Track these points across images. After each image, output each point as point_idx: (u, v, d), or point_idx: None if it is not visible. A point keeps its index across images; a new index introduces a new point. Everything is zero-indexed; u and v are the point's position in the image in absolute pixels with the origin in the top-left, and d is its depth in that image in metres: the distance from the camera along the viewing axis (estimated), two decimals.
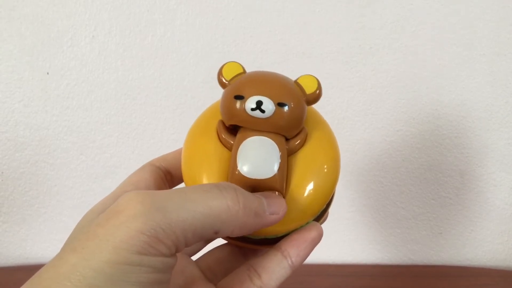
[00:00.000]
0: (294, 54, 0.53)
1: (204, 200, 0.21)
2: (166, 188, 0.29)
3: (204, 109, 0.31)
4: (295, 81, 0.27)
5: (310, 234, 0.26)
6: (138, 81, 0.54)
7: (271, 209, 0.24)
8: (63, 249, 0.20)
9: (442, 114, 0.56)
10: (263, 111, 0.25)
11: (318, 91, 0.26)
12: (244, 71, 0.28)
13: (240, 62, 0.28)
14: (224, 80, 0.27)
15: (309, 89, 0.26)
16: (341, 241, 0.61)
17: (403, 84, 0.55)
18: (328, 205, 0.29)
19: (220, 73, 0.27)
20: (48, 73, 0.53)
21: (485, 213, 0.60)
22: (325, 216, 0.29)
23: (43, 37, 0.52)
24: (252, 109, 0.25)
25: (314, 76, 0.27)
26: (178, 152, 0.30)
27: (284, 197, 0.25)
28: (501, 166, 0.58)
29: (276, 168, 0.25)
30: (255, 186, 0.25)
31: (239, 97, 0.25)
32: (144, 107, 0.55)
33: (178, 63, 0.54)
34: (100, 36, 0.53)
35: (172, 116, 0.55)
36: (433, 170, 0.58)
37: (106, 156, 0.57)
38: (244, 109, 0.25)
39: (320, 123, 0.29)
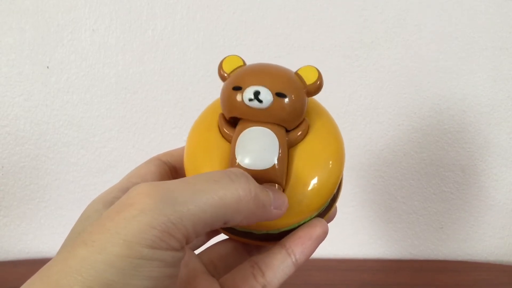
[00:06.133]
0: (295, 48, 0.53)
1: (215, 191, 0.21)
2: None
3: (205, 104, 0.31)
4: (296, 72, 0.27)
5: (315, 231, 0.26)
6: (138, 75, 0.54)
7: (275, 204, 0.24)
8: (72, 242, 0.20)
9: (444, 109, 0.56)
10: (260, 101, 0.24)
11: (318, 81, 0.26)
12: (244, 64, 0.27)
13: (240, 56, 0.28)
14: (224, 73, 0.27)
15: (310, 79, 0.26)
16: (342, 235, 0.61)
17: (405, 79, 0.55)
18: (334, 200, 0.28)
19: (220, 67, 0.27)
20: (48, 67, 0.53)
21: (486, 208, 0.60)
22: (331, 212, 0.28)
23: (43, 31, 0.52)
24: (250, 100, 0.25)
25: (314, 67, 0.26)
26: (184, 149, 0.30)
27: (284, 190, 0.25)
28: (502, 161, 0.58)
29: (275, 158, 0.24)
30: (254, 177, 0.24)
31: (237, 88, 0.25)
32: (145, 101, 0.55)
33: (179, 57, 0.53)
34: (100, 30, 0.52)
35: (173, 110, 0.55)
36: (434, 164, 0.58)
37: (107, 150, 0.57)
38: (242, 100, 0.25)
39: (323, 114, 0.29)
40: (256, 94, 0.24)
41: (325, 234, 0.26)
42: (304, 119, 0.27)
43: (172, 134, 0.56)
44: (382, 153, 0.58)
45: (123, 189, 0.26)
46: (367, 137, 0.57)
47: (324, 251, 0.61)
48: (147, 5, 0.52)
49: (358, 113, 0.56)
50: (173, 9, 0.52)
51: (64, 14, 0.52)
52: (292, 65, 0.28)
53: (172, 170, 0.30)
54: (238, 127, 0.26)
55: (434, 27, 0.53)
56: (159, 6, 0.52)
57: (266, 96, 0.24)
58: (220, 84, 0.27)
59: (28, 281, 0.19)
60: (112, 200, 0.25)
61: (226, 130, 0.27)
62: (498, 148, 0.57)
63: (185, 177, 0.22)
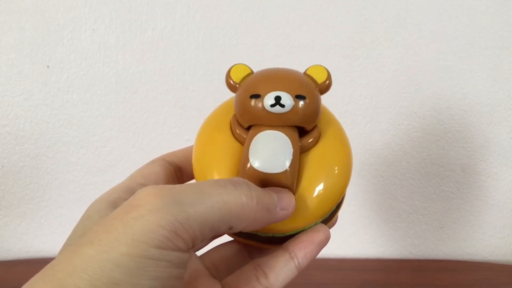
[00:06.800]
0: (296, 47, 0.53)
1: (220, 195, 0.21)
2: (176, 184, 0.29)
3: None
4: (304, 73, 0.27)
5: (318, 237, 0.26)
6: (138, 75, 0.54)
7: (281, 205, 0.24)
8: (76, 241, 0.20)
9: (444, 108, 0.56)
10: (282, 106, 0.25)
11: (328, 80, 0.27)
12: (252, 72, 0.27)
13: (246, 63, 0.28)
14: (233, 83, 0.27)
15: (320, 79, 0.27)
16: (342, 235, 0.61)
17: (405, 78, 0.55)
18: (338, 208, 0.29)
19: (228, 76, 0.27)
20: (48, 67, 0.53)
21: (486, 208, 0.60)
22: (334, 219, 0.29)
23: (43, 30, 0.52)
24: (272, 105, 0.25)
25: (322, 66, 0.27)
26: (189, 149, 0.30)
27: (293, 194, 0.25)
28: (502, 160, 0.58)
29: (287, 163, 0.25)
30: (265, 181, 0.24)
31: (256, 96, 0.25)
32: (145, 101, 0.55)
33: (179, 56, 0.53)
34: (100, 29, 0.52)
35: (173, 110, 0.55)
36: (435, 164, 0.58)
37: (107, 150, 0.57)
38: (263, 107, 0.25)
39: (333, 122, 0.29)
40: (277, 99, 0.25)
41: (327, 239, 0.26)
42: (316, 126, 0.27)
43: (172, 134, 0.56)
44: (382, 153, 0.58)
45: (126, 189, 0.26)
46: (367, 136, 0.57)
47: (324, 250, 0.61)
48: (147, 5, 0.52)
49: (358, 113, 0.56)
50: (173, 8, 0.52)
51: (64, 14, 0.52)
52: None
53: (177, 170, 0.30)
54: (252, 130, 0.26)
55: (434, 27, 0.53)
56: (159, 5, 0.52)
57: (287, 100, 0.25)
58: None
59: (30, 280, 0.19)
60: (114, 200, 0.25)
61: (239, 132, 0.27)
62: (498, 147, 0.57)
63: (190, 182, 0.22)
